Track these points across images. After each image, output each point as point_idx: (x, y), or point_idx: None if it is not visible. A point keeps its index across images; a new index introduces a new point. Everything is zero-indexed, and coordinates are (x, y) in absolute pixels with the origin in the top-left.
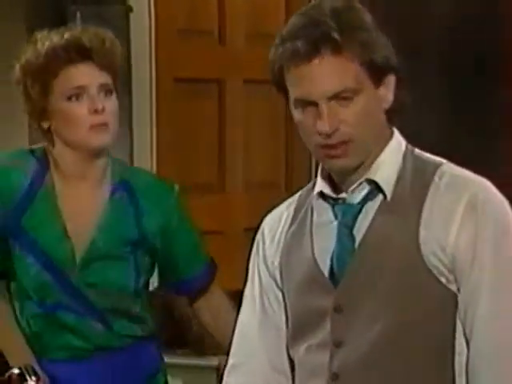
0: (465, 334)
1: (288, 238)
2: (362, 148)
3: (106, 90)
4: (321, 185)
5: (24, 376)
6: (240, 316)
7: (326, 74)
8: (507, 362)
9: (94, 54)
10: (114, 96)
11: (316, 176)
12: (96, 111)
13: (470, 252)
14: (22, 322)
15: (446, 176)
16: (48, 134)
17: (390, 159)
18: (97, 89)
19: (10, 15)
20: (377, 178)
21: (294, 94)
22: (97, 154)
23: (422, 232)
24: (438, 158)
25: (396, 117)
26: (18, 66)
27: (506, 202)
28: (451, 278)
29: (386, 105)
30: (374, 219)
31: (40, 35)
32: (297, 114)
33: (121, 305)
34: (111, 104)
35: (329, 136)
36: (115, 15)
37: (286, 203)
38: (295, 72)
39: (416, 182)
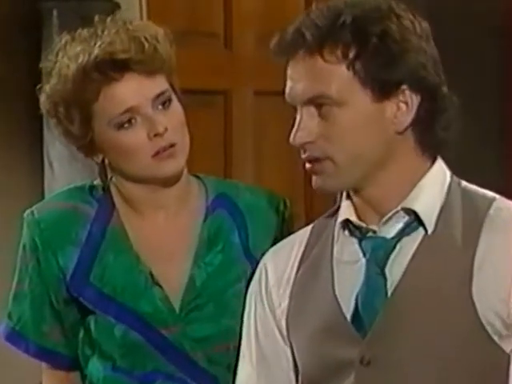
0: None
1: (299, 276)
2: (346, 171)
3: (164, 100)
4: (346, 212)
5: None
6: (238, 375)
7: (301, 75)
8: None
9: (135, 64)
10: (174, 102)
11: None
12: (157, 135)
13: None
14: None
15: (504, 211)
16: (104, 167)
17: (432, 188)
18: (151, 104)
19: None
20: (416, 208)
21: None
22: (168, 183)
23: (477, 279)
24: (489, 192)
25: (434, 150)
26: (43, 96)
27: None
28: (505, 333)
29: (398, 127)
30: (413, 259)
31: (60, 51)
32: None
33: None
34: (174, 116)
35: (302, 148)
36: (99, 13)
37: (292, 236)
38: (287, 69)
39: (466, 217)
